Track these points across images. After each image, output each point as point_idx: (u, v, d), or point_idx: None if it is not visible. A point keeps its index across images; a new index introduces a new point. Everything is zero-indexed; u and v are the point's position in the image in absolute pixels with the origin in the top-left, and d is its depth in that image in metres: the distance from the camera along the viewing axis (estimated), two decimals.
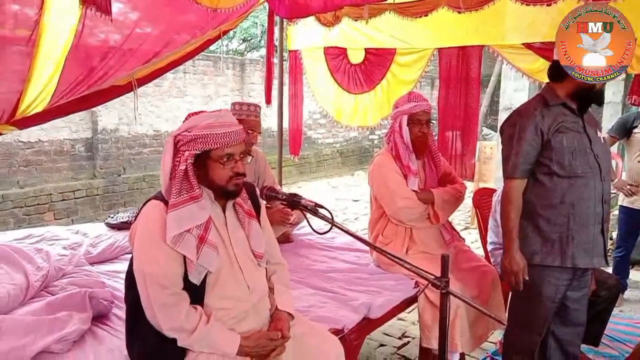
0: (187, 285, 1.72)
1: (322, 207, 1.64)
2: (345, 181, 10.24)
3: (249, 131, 3.06)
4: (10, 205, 5.88)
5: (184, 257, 1.70)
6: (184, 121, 1.79)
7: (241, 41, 13.76)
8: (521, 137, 2.28)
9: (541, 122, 2.26)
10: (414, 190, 2.82)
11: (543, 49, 3.47)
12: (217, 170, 1.75)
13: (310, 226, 1.68)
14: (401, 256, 1.69)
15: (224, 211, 1.86)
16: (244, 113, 3.02)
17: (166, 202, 1.74)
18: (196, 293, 1.74)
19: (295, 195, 1.75)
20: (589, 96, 2.25)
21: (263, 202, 2.07)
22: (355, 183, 10.00)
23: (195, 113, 1.81)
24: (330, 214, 1.60)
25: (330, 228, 1.60)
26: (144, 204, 1.81)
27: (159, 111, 7.43)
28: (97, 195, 6.73)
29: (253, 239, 1.90)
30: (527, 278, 2.32)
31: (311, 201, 1.68)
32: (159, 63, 3.29)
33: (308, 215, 1.67)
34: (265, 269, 1.99)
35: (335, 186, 9.63)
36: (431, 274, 1.62)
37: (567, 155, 2.24)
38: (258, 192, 2.02)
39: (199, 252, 1.71)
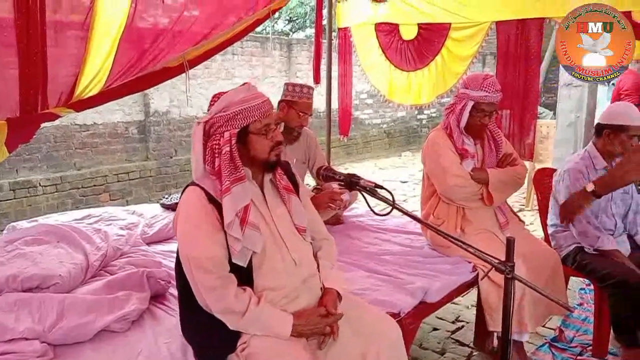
0: (234, 267, 1.71)
1: (381, 187, 1.58)
2: (392, 162, 10.06)
3: (300, 113, 3.01)
4: (68, 187, 6.08)
5: (226, 240, 1.68)
6: (210, 105, 1.78)
7: (287, 21, 13.69)
8: None
9: None
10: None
11: None
12: (259, 142, 1.75)
13: (370, 208, 1.61)
14: (458, 236, 1.61)
15: (262, 189, 1.84)
16: (296, 95, 2.97)
17: (202, 188, 1.74)
18: (243, 274, 1.73)
19: (353, 175, 1.68)
20: None
21: (301, 181, 2.05)
22: (402, 164, 9.82)
23: (221, 94, 1.78)
24: (391, 195, 1.53)
25: (391, 210, 1.52)
26: (182, 191, 1.81)
27: (208, 93, 7.41)
28: (150, 176, 6.87)
29: (295, 214, 1.88)
30: None
31: (370, 181, 1.62)
32: (209, 44, 3.28)
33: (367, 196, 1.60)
34: (311, 244, 1.96)
35: (382, 167, 9.50)
36: (495, 258, 1.54)
37: None
38: (293, 169, 2.02)
39: (242, 234, 1.69)
